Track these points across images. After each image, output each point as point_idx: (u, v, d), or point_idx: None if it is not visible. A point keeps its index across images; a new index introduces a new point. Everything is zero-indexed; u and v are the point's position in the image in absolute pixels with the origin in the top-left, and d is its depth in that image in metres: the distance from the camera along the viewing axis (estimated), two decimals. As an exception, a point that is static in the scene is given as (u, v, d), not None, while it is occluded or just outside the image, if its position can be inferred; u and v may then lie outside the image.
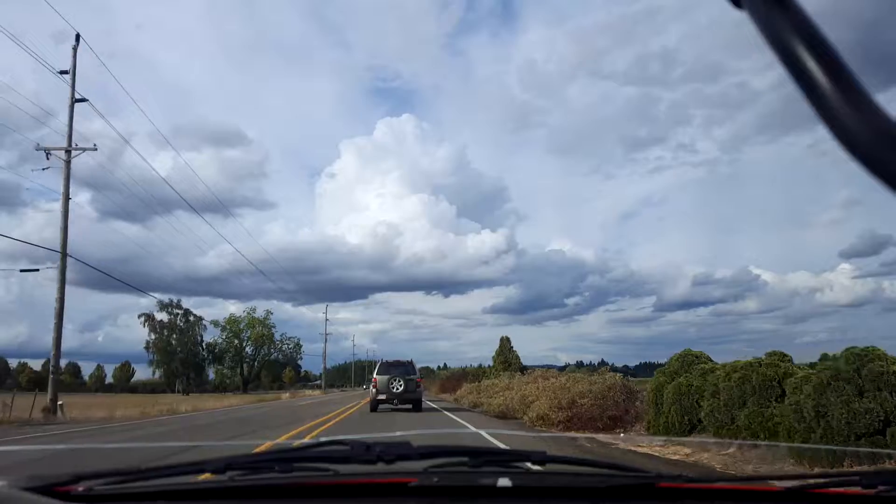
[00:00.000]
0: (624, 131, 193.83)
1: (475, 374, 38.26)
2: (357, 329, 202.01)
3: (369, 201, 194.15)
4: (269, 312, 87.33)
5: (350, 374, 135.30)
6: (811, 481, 1.28)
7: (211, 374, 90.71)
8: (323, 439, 1.43)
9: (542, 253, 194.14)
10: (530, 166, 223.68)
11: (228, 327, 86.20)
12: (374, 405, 19.44)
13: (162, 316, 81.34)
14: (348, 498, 1.26)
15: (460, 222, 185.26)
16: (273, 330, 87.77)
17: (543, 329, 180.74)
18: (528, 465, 1.31)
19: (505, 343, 38.14)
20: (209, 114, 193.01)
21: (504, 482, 1.21)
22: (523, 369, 28.84)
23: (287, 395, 54.27)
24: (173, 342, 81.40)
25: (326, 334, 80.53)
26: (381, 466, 1.23)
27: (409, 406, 19.55)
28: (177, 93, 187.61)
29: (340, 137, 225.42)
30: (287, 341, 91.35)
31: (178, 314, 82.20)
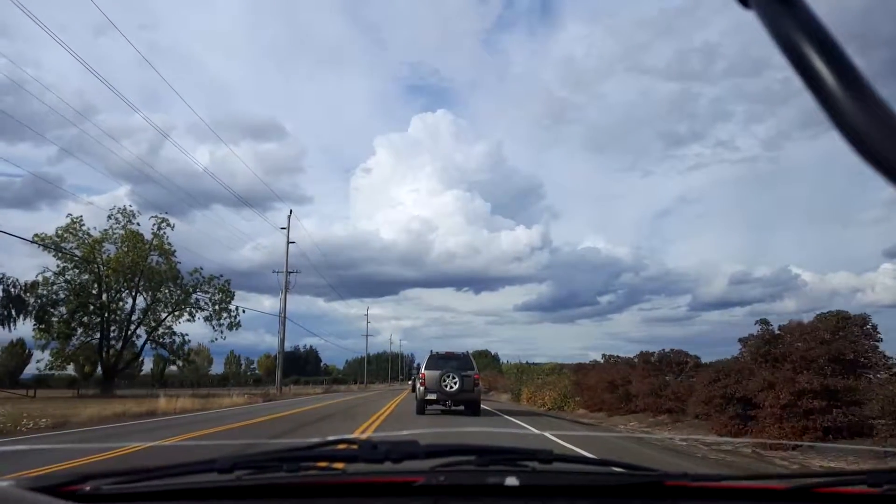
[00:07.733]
0: (662, 127, 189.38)
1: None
2: (389, 325, 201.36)
3: (403, 197, 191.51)
4: (162, 220, 40.77)
5: (388, 369, 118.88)
6: (817, 480, 1.28)
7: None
8: (331, 438, 1.44)
9: (575, 250, 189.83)
10: (566, 163, 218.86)
11: (71, 246, 38.23)
12: (422, 406, 16.72)
13: None
14: (355, 497, 1.27)
15: (494, 219, 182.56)
16: (178, 264, 41.45)
17: (576, 327, 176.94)
18: (536, 463, 1.31)
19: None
20: (248, 109, 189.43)
21: (511, 481, 1.21)
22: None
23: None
24: None
25: (286, 282, 42.59)
26: (388, 465, 1.23)
27: (462, 408, 16.70)
28: (217, 88, 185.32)
29: (375, 133, 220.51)
30: (205, 284, 42.71)
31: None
